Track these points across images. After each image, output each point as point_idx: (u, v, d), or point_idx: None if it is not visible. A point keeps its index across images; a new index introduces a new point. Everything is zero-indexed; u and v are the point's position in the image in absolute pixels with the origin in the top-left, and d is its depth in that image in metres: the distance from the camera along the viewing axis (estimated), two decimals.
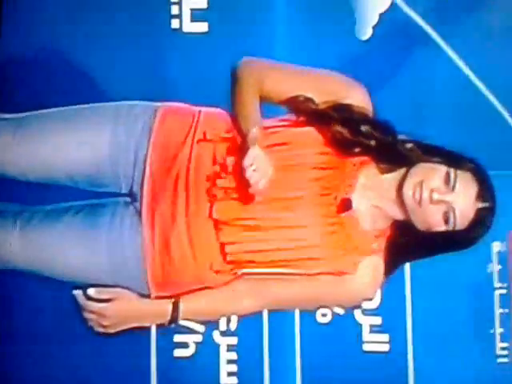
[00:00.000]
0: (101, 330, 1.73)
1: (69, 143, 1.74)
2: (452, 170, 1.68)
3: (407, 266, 2.72)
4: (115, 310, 1.71)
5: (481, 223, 1.70)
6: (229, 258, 1.68)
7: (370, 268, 1.72)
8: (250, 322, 2.63)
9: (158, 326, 1.78)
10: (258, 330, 2.73)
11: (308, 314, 2.70)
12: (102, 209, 1.75)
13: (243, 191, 1.63)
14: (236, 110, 1.71)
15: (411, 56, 2.79)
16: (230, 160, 1.67)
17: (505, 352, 2.79)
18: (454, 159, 1.70)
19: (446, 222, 1.67)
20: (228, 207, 1.66)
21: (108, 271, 1.72)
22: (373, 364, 2.76)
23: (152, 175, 1.70)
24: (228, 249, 1.67)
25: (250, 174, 1.58)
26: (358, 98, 1.74)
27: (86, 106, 1.79)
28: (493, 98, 2.78)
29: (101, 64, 2.73)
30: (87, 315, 1.72)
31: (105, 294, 1.72)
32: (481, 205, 1.68)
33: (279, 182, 1.66)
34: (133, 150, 1.72)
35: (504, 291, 2.80)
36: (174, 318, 1.73)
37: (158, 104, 1.78)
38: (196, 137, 1.71)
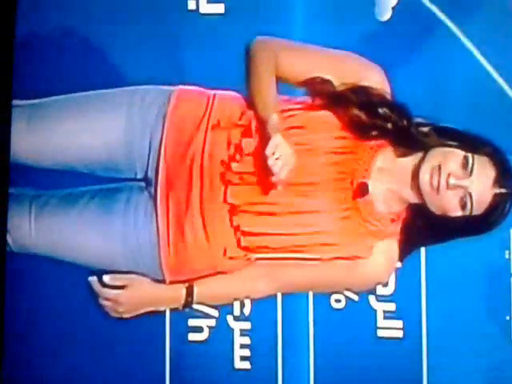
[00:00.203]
0: (116, 315, 1.71)
1: (83, 130, 1.76)
2: (470, 155, 1.67)
3: (423, 252, 2.70)
4: (130, 296, 1.73)
5: (498, 209, 1.71)
6: (243, 244, 1.68)
7: (385, 252, 1.74)
8: (263, 306, 2.62)
9: (172, 310, 1.76)
10: (272, 315, 2.72)
11: (322, 300, 2.70)
12: (116, 194, 1.76)
13: (264, 179, 1.63)
14: (252, 91, 1.69)
15: (430, 38, 2.76)
16: (245, 142, 1.67)
17: None
18: (471, 143, 1.70)
19: (463, 207, 1.68)
20: (243, 192, 1.67)
21: (122, 256, 1.74)
22: (387, 350, 2.75)
23: (167, 161, 1.72)
24: (242, 233, 1.64)
25: (272, 162, 1.59)
26: (375, 79, 1.74)
27: (99, 92, 1.81)
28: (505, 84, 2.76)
29: (116, 45, 2.71)
30: (103, 302, 1.76)
31: (119, 280, 1.73)
32: (498, 190, 1.69)
33: (295, 167, 1.66)
34: (148, 136, 1.73)
35: None
36: (189, 302, 1.73)
37: (172, 88, 1.81)
38: (210, 122, 1.72)
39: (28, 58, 2.66)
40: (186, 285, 1.72)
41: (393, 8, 2.74)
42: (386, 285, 1.81)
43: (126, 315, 1.73)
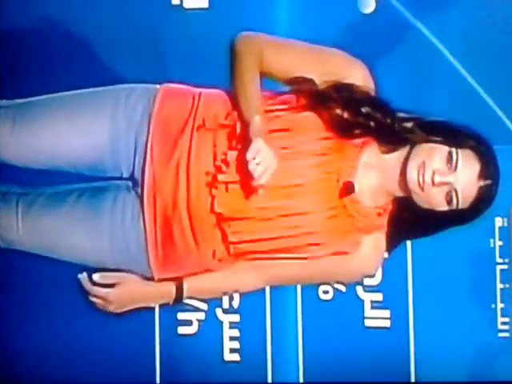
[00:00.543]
0: (106, 312, 1.75)
1: (69, 132, 1.73)
2: (454, 150, 1.65)
3: (408, 242, 2.72)
4: (120, 294, 1.72)
5: (484, 200, 1.68)
6: (232, 251, 1.68)
7: (372, 244, 1.71)
8: (252, 299, 2.63)
9: (162, 306, 1.78)
10: (261, 307, 2.74)
11: (310, 291, 2.71)
12: (103, 193, 1.75)
13: (246, 183, 1.62)
14: (236, 90, 1.69)
15: (413, 30, 2.77)
16: (231, 154, 1.65)
17: (506, 327, 2.80)
18: (455, 137, 1.68)
19: (449, 202, 1.66)
20: (229, 200, 1.66)
21: (111, 256, 1.73)
22: (374, 340, 2.77)
23: (153, 161, 1.69)
24: (231, 240, 1.67)
25: (253, 167, 1.57)
26: (359, 76, 1.72)
27: (84, 92, 1.77)
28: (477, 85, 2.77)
29: (100, 40, 2.72)
30: (93, 299, 1.73)
31: (109, 278, 1.72)
32: (483, 183, 1.66)
33: (280, 170, 1.64)
34: (133, 137, 1.71)
35: (505, 266, 2.80)
36: (179, 298, 1.74)
37: (157, 86, 1.76)
38: (196, 123, 1.69)
39: (13, 43, 2.67)
40: (176, 281, 1.72)
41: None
42: (373, 275, 1.81)
43: (116, 311, 1.73)
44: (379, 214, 1.71)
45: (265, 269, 1.71)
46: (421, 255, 2.76)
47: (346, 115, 1.68)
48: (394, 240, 1.75)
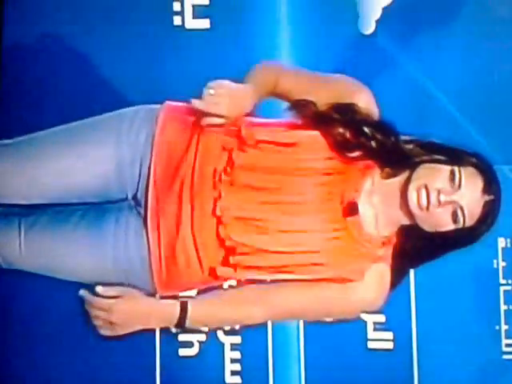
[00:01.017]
0: (107, 330, 1.71)
1: (74, 167, 1.72)
2: (456, 168, 1.66)
3: None
4: (123, 307, 1.69)
5: (489, 216, 1.68)
6: (231, 262, 1.66)
7: (377, 275, 1.69)
8: None
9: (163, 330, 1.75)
10: (262, 329, 2.72)
11: None
12: (106, 213, 1.74)
13: (255, 194, 1.65)
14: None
15: (413, 51, 2.78)
16: (236, 153, 1.66)
17: (510, 349, 2.78)
18: (455, 156, 1.68)
19: (455, 221, 1.65)
20: (232, 205, 1.66)
21: (113, 276, 1.72)
22: (377, 362, 2.75)
23: (156, 184, 1.69)
24: (230, 249, 1.67)
25: (207, 97, 1.60)
26: (363, 100, 1.72)
27: (85, 122, 1.77)
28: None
29: (102, 59, 2.72)
30: (94, 312, 1.70)
31: (112, 291, 1.70)
32: (488, 198, 1.66)
33: (285, 186, 1.65)
34: (138, 161, 1.71)
35: (509, 287, 2.79)
36: (182, 321, 1.70)
37: (159, 107, 1.76)
38: (199, 143, 1.69)
39: (17, 60, 2.67)
40: (180, 300, 1.69)
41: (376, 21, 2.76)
42: (376, 310, 1.77)
43: (116, 329, 1.69)
44: (383, 244, 1.70)
45: (269, 300, 1.69)
46: (424, 276, 2.74)
47: (347, 134, 1.68)
48: (399, 273, 1.73)
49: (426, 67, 2.76)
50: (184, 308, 1.69)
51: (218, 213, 1.65)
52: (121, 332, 1.71)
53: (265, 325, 2.73)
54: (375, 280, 1.69)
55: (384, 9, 2.74)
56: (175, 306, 1.69)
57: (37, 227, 1.75)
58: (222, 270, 1.67)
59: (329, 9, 2.76)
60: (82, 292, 1.70)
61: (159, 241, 1.68)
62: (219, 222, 1.66)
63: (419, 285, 2.76)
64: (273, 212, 1.65)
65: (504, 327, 2.78)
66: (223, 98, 1.62)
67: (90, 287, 1.70)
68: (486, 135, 2.71)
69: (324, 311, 1.75)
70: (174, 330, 1.78)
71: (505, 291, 2.78)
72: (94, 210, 1.75)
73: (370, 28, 2.76)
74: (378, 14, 2.75)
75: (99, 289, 1.69)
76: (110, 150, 1.71)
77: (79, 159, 1.71)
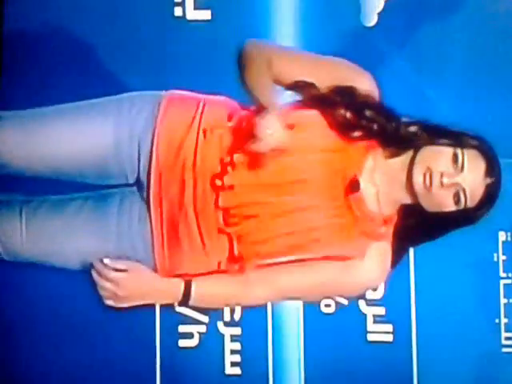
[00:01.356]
0: (112, 301, 1.72)
1: (74, 138, 1.74)
2: (459, 150, 1.68)
3: (411, 256, 2.71)
4: (130, 279, 1.70)
5: (490, 198, 1.70)
6: (236, 252, 1.67)
7: (378, 253, 1.71)
8: (253, 312, 2.61)
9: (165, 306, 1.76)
10: (262, 321, 2.72)
11: (312, 305, 2.69)
12: (109, 198, 1.75)
13: (252, 183, 1.65)
14: (252, 91, 1.68)
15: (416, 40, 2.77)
16: (237, 157, 1.66)
17: (510, 342, 2.77)
18: (458, 138, 1.70)
19: (457, 202, 1.67)
20: (236, 200, 1.67)
21: (116, 259, 1.72)
22: (377, 354, 2.74)
23: (158, 164, 1.70)
24: (237, 239, 1.67)
25: (263, 136, 1.58)
26: (364, 83, 1.73)
27: (89, 102, 1.79)
28: None
29: (104, 49, 2.71)
30: (102, 283, 1.71)
31: (120, 265, 1.71)
32: (489, 180, 1.68)
33: (286, 166, 1.66)
34: (136, 141, 1.72)
35: (509, 281, 2.78)
36: (186, 298, 1.72)
37: (162, 93, 1.78)
38: (201, 126, 1.71)
39: (19, 48, 2.66)
40: (185, 279, 1.70)
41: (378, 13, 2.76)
42: (375, 289, 1.78)
43: (122, 301, 1.70)
44: (385, 222, 1.71)
45: (274, 281, 1.70)
46: (424, 270, 2.74)
47: (348, 116, 1.69)
48: (400, 251, 1.74)
49: (424, 62, 2.76)
50: (188, 285, 1.71)
51: (221, 203, 1.66)
52: (125, 304, 1.72)
53: (265, 316, 2.73)
54: (376, 258, 1.70)
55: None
56: (180, 283, 1.71)
57: (39, 212, 1.76)
58: (225, 264, 1.69)
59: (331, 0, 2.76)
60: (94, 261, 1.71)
61: (161, 220, 1.69)
62: (222, 209, 1.67)
63: (419, 278, 2.76)
64: (275, 192, 1.66)
65: (504, 320, 2.77)
66: (276, 131, 1.62)
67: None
68: (485, 129, 2.71)
69: (326, 290, 1.76)
70: (177, 308, 1.75)
71: (505, 285, 2.78)
72: (97, 195, 1.76)
73: (372, 20, 2.75)
74: (380, 6, 2.75)
75: (107, 260, 1.70)
76: (110, 126, 1.73)
77: (79, 130, 1.73)
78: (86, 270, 1.72)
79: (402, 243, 1.73)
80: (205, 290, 1.72)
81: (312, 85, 1.71)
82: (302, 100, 1.72)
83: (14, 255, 1.79)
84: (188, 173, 1.68)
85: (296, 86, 1.72)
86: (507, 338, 2.78)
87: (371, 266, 1.71)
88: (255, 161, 1.64)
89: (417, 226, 1.73)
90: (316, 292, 1.76)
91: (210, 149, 1.68)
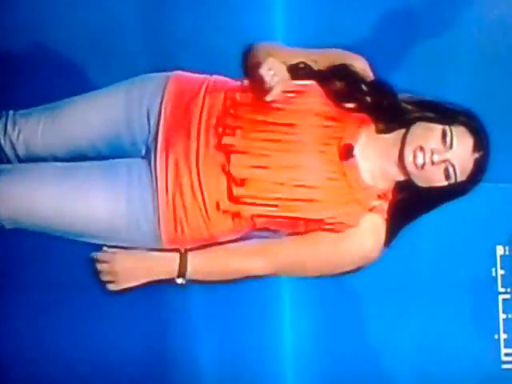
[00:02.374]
0: (113, 284, 1.77)
1: (86, 111, 1.84)
2: (447, 128, 1.74)
3: (411, 268, 2.69)
4: (124, 255, 1.77)
5: (479, 171, 1.77)
6: (234, 192, 1.71)
7: (371, 224, 1.76)
8: None
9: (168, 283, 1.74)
10: None
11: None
12: (119, 162, 1.80)
13: (253, 129, 1.72)
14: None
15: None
16: (240, 95, 1.74)
17: (510, 358, 2.75)
18: (446, 114, 1.77)
19: (448, 177, 1.75)
20: (236, 140, 1.72)
21: (124, 220, 1.75)
22: None
23: (166, 121, 1.77)
24: (233, 180, 1.71)
25: (269, 78, 1.66)
26: (360, 66, 1.82)
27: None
28: None
29: (91, 69, 2.70)
30: (99, 267, 1.77)
31: (116, 249, 1.78)
32: (478, 154, 1.76)
33: (287, 124, 1.73)
34: (145, 110, 1.81)
35: (508, 296, 2.76)
36: (182, 270, 1.75)
37: (171, 73, 1.86)
38: (208, 89, 1.79)
39: (4, 68, 2.65)
40: (181, 251, 1.75)
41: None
42: (374, 260, 1.80)
43: (121, 281, 1.75)
44: (379, 197, 1.77)
45: (271, 251, 1.75)
46: (422, 285, 2.73)
47: (343, 87, 1.77)
48: (394, 228, 1.78)
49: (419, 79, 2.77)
50: (184, 257, 1.75)
51: (223, 142, 1.72)
52: (126, 284, 1.76)
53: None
54: (370, 229, 1.76)
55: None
56: (175, 256, 1.75)
57: (50, 172, 1.80)
58: (224, 204, 1.72)
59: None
60: (93, 254, 1.77)
61: (166, 173, 1.74)
62: (223, 151, 1.72)
63: (417, 293, 2.74)
64: (275, 148, 1.72)
65: (503, 336, 2.75)
66: (279, 74, 1.71)
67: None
68: None
69: (324, 262, 1.78)
70: (179, 282, 1.77)
71: (504, 300, 2.76)
72: (103, 164, 1.80)
73: None
74: None
75: (105, 247, 1.77)
76: (121, 98, 1.82)
77: (91, 106, 1.84)
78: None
79: (395, 220, 1.78)
80: (201, 262, 1.75)
81: (309, 65, 1.80)
82: (299, 77, 1.79)
83: (21, 220, 1.79)
84: (194, 131, 1.74)
85: (294, 67, 1.78)
86: (507, 355, 2.75)
87: (365, 235, 1.76)
88: (259, 108, 1.72)
89: (409, 200, 1.79)
90: (313, 264, 1.79)
91: (216, 105, 1.75)
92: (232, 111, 1.74)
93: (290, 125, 1.73)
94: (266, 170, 1.71)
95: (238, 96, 1.74)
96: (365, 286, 2.66)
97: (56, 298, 2.57)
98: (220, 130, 1.73)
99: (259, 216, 1.73)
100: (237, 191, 1.70)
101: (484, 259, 2.77)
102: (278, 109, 1.73)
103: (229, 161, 1.71)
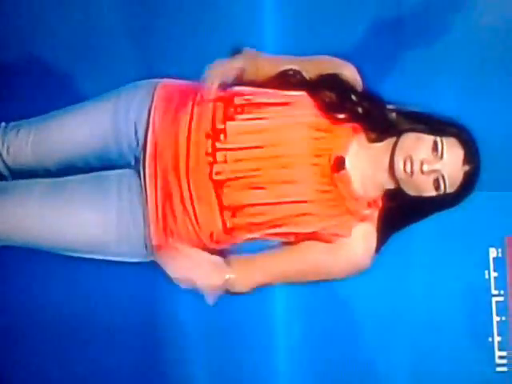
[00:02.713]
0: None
1: (76, 125, 1.83)
2: (438, 139, 1.74)
3: (404, 272, 2.69)
4: None
5: (469, 184, 1.77)
6: (229, 225, 1.71)
7: (362, 233, 1.77)
8: None
9: None
10: None
11: None
12: (108, 175, 1.79)
13: (243, 152, 1.71)
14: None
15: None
16: (229, 125, 1.73)
17: (504, 361, 2.74)
18: (438, 126, 1.76)
19: (437, 188, 1.74)
20: (226, 167, 1.72)
21: (116, 232, 1.75)
22: None
23: (155, 130, 1.77)
24: (229, 212, 1.71)
25: (208, 78, 1.73)
26: (349, 73, 1.81)
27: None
28: None
29: (81, 80, 2.69)
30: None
31: None
32: (468, 167, 1.75)
33: (277, 140, 1.73)
34: (132, 119, 1.80)
35: (501, 298, 2.76)
36: None
37: (158, 80, 1.86)
38: (196, 98, 1.77)
39: None
40: None
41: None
42: (365, 268, 1.81)
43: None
44: (369, 205, 1.78)
45: (266, 267, 1.75)
46: (416, 288, 2.72)
47: (334, 98, 1.76)
48: (383, 235, 1.79)
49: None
50: None
51: (214, 175, 1.70)
52: None
53: None
54: (362, 238, 1.76)
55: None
56: None
57: (37, 190, 1.79)
58: (221, 236, 1.72)
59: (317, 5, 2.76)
60: None
61: (156, 184, 1.73)
62: (214, 181, 1.71)
63: (411, 297, 2.73)
64: (265, 165, 1.72)
65: (497, 339, 2.74)
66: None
67: None
68: None
69: (317, 271, 1.78)
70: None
71: (497, 302, 2.76)
72: (93, 176, 1.79)
73: None
74: None
75: None
76: (109, 109, 1.81)
77: (80, 118, 1.82)
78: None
79: (385, 227, 1.79)
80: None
81: (299, 72, 1.80)
82: (289, 86, 1.79)
83: (13, 235, 1.79)
84: (182, 138, 1.73)
85: (284, 74, 1.80)
86: (501, 357, 2.75)
87: (357, 244, 1.76)
88: (248, 124, 1.72)
89: (399, 209, 1.79)
90: (303, 275, 1.78)
91: (205, 117, 1.74)
92: (222, 134, 1.72)
93: (281, 139, 1.72)
94: (258, 191, 1.71)
95: (227, 110, 1.74)
96: (358, 291, 2.65)
97: None
98: (210, 156, 1.71)
99: (253, 238, 1.73)
100: (231, 223, 1.71)
101: (477, 262, 2.76)
102: (269, 128, 1.73)
103: (221, 190, 1.70)
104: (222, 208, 1.71)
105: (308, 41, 2.68)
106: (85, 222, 1.74)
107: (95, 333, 2.62)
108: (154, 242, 1.73)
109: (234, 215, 1.71)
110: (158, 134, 1.76)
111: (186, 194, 1.71)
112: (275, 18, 2.71)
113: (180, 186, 1.72)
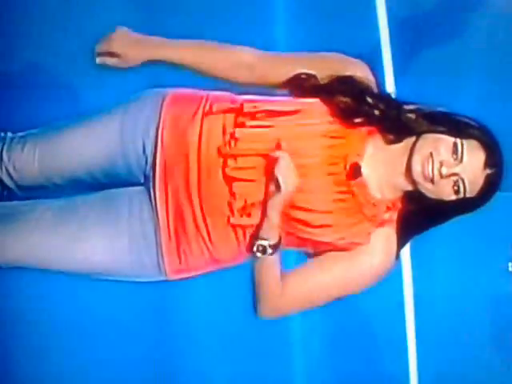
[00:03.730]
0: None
1: (83, 142, 1.78)
2: (458, 141, 1.67)
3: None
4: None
5: (490, 188, 1.69)
6: (240, 238, 1.68)
7: (383, 239, 1.71)
8: None
9: None
10: None
11: None
12: (117, 195, 1.75)
13: (255, 160, 1.67)
14: None
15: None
16: (239, 131, 1.68)
17: None
18: (458, 127, 1.69)
19: (457, 192, 1.68)
20: (240, 174, 1.67)
21: (128, 257, 1.71)
22: None
23: (164, 148, 1.72)
24: (240, 227, 1.67)
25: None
26: (360, 72, 1.75)
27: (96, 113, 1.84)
28: None
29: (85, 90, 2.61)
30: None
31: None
32: (489, 171, 1.68)
33: (291, 150, 1.67)
34: (140, 137, 1.74)
35: None
36: None
37: (166, 90, 1.80)
38: (205, 110, 1.73)
39: None
40: None
41: None
42: (390, 269, 1.74)
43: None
44: (388, 208, 1.72)
45: (294, 287, 1.70)
46: (438, 297, 2.66)
47: (349, 102, 1.70)
48: (403, 239, 1.74)
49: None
50: None
51: (226, 178, 1.66)
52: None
53: None
54: (382, 243, 1.70)
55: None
56: None
57: (47, 219, 1.74)
58: (235, 219, 1.66)
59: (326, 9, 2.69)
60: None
61: (167, 204, 1.69)
62: (227, 186, 1.67)
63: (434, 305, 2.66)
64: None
65: None
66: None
67: None
68: None
69: (342, 286, 1.72)
70: None
71: None
72: (103, 195, 1.75)
73: None
74: None
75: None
76: (116, 124, 1.76)
77: (88, 133, 1.77)
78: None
79: (405, 231, 1.73)
80: None
81: (313, 76, 1.73)
82: (303, 91, 1.74)
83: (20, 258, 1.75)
84: (193, 154, 1.68)
85: (296, 79, 1.74)
86: None
87: (377, 250, 1.71)
88: (260, 134, 1.67)
89: (419, 212, 1.73)
90: (338, 289, 1.72)
91: (215, 129, 1.69)
92: (232, 140, 1.67)
93: (294, 150, 1.66)
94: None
95: (236, 132, 1.67)
96: (377, 305, 2.58)
97: None
98: (221, 160, 1.66)
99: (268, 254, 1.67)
100: (244, 237, 1.66)
101: (500, 263, 2.71)
102: (282, 137, 1.66)
103: (233, 194, 1.65)
104: (235, 230, 1.67)
105: (320, 37, 2.62)
106: (97, 250, 1.70)
107: (95, 333, 2.59)
108: (167, 265, 1.69)
109: (247, 227, 1.66)
110: (167, 151, 1.71)
111: (198, 210, 1.67)
112: (286, 15, 2.65)
113: (192, 205, 1.67)
